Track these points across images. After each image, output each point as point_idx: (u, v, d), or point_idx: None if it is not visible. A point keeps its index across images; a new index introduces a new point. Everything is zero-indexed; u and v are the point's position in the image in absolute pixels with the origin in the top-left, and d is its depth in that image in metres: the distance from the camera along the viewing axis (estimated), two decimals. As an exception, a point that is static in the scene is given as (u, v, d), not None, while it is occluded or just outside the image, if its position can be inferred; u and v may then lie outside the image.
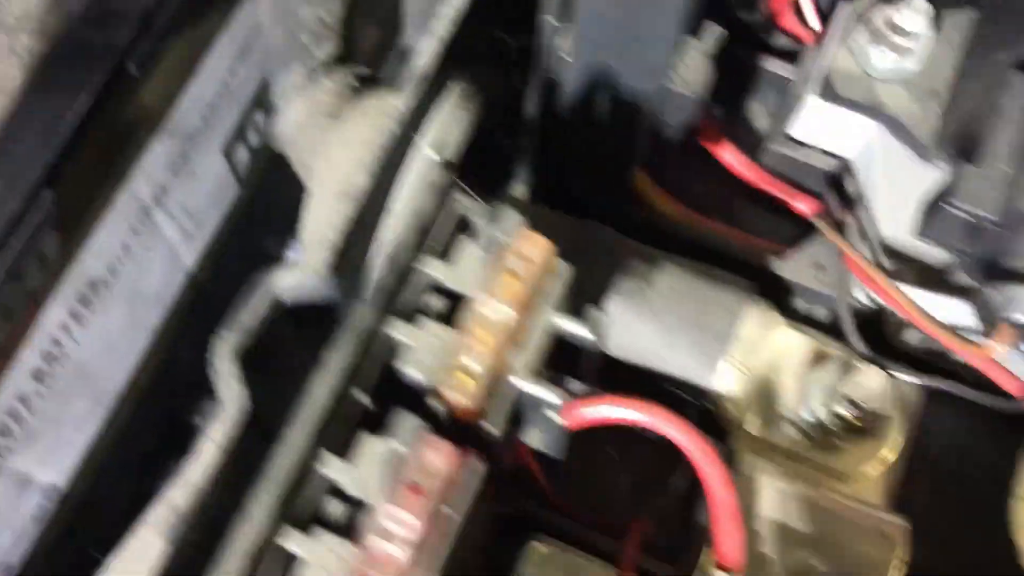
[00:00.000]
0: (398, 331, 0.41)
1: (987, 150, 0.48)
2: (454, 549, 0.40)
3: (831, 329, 0.61)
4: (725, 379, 0.58)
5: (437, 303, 0.42)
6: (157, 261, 0.83)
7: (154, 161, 0.76)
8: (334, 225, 0.44)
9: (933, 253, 0.57)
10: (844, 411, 0.57)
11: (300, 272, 0.45)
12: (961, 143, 0.50)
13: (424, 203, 0.41)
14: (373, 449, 0.39)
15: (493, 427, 0.40)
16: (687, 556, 0.55)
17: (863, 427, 0.57)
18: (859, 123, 0.59)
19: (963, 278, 0.56)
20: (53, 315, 0.68)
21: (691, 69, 0.48)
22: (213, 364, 0.45)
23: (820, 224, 0.61)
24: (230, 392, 0.44)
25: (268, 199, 0.94)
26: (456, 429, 0.39)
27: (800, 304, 0.64)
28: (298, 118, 0.60)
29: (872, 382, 0.55)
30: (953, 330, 0.52)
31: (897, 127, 0.58)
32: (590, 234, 0.58)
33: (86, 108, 0.61)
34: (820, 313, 0.64)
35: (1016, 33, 0.48)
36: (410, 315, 0.42)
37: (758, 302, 0.58)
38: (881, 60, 0.58)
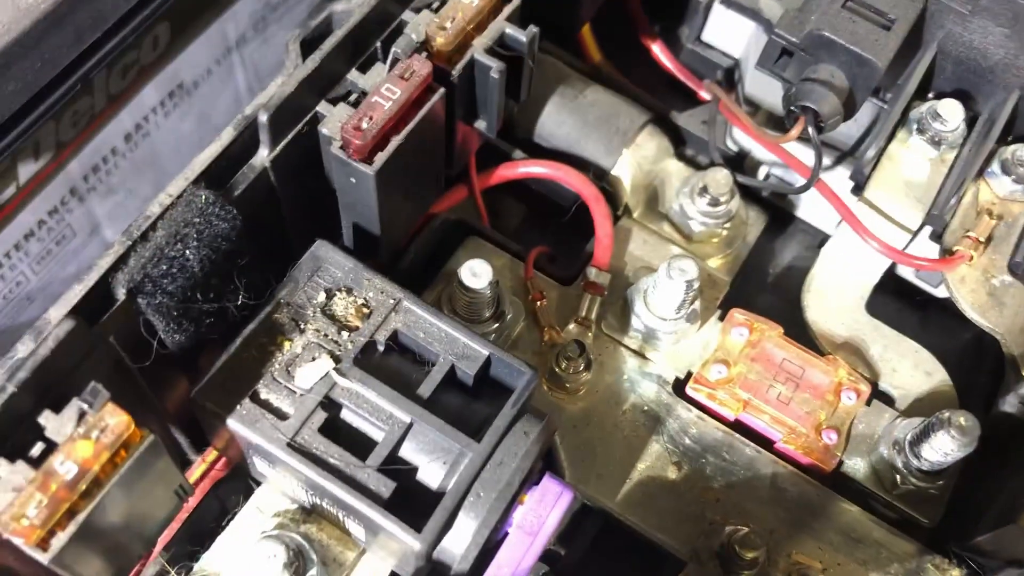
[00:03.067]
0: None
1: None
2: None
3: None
4: (622, 167, 0.81)
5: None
6: (224, 98, 1.07)
7: (242, 9, 1.02)
8: None
9: (773, 97, 0.82)
10: (700, 198, 0.79)
11: None
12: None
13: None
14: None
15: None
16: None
17: (715, 216, 0.80)
18: (745, 25, 0.85)
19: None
20: (149, 97, 0.94)
21: None
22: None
23: (709, 86, 0.85)
24: None
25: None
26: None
27: (688, 151, 0.87)
28: None
29: (720, 176, 0.79)
30: (771, 133, 0.76)
31: (768, 25, 0.84)
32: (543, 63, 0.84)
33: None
34: (702, 161, 0.87)
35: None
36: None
37: (656, 125, 0.83)
38: (759, -22, 0.84)
